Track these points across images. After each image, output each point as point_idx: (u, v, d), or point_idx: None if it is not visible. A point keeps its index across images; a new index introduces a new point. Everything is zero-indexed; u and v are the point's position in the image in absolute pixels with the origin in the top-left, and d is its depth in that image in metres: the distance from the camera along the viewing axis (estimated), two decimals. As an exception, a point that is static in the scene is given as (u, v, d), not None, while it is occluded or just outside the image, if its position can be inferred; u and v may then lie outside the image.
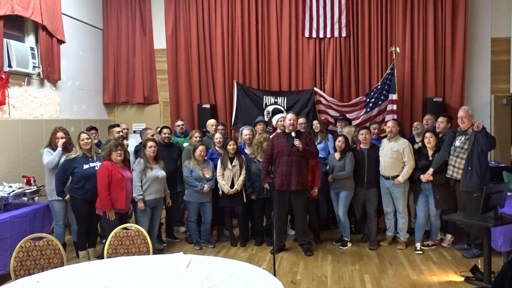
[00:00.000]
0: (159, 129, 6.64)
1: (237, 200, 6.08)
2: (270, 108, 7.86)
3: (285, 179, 5.59)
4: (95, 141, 6.16)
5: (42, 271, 3.34)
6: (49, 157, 5.40)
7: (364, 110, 7.50)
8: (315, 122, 6.73)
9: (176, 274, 3.01)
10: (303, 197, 5.73)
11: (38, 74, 6.81)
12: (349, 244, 6.05)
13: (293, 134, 5.58)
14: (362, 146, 6.04)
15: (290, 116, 5.71)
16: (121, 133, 6.23)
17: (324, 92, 7.92)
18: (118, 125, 6.47)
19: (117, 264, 3.28)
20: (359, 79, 8.08)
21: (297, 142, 5.48)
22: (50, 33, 6.90)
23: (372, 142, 6.14)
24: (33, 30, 6.87)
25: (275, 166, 5.65)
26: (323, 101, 7.73)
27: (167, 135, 6.30)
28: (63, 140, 5.48)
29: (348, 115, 7.28)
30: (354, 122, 7.28)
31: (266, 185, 5.78)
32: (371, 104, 7.45)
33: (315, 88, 7.84)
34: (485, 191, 4.41)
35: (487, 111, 7.79)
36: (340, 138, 5.98)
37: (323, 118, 7.49)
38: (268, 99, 7.90)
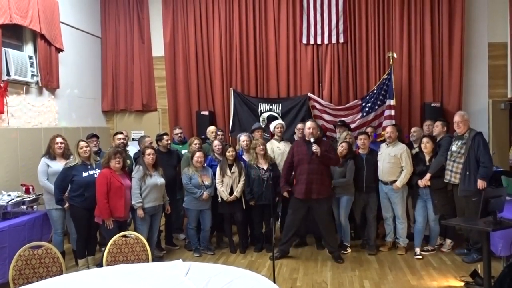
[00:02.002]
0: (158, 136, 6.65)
1: (236, 207, 6.07)
2: (265, 115, 7.88)
3: (306, 188, 5.53)
4: (95, 149, 6.17)
5: (41, 279, 3.34)
6: (44, 175, 5.44)
7: (360, 114, 7.51)
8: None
9: (175, 282, 3.01)
10: (326, 206, 5.66)
11: (37, 83, 6.83)
12: (349, 250, 6.04)
13: (312, 140, 5.56)
14: (360, 151, 6.06)
15: (309, 124, 5.70)
16: (121, 140, 6.25)
17: (322, 98, 7.95)
18: (122, 133, 6.48)
19: (116, 272, 3.27)
20: (357, 85, 8.10)
21: (315, 147, 5.44)
22: (49, 41, 6.93)
23: (371, 147, 6.15)
24: (31, 39, 6.89)
25: (296, 173, 5.63)
26: (317, 106, 7.74)
27: (168, 142, 6.33)
28: (61, 150, 5.50)
29: (344, 119, 7.29)
30: (351, 126, 7.28)
31: (285, 193, 5.78)
32: (367, 109, 7.46)
33: (309, 94, 7.86)
34: (484, 196, 4.41)
35: (485, 116, 7.81)
36: (343, 144, 5.97)
37: (321, 124, 7.49)
38: (263, 106, 7.92)
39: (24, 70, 6.38)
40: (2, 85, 5.97)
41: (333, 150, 5.72)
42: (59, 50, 7.25)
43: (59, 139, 5.55)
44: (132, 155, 6.39)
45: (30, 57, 6.61)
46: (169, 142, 6.37)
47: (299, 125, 6.77)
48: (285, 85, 8.27)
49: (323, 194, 5.54)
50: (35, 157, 6.41)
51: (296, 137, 6.76)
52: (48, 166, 5.48)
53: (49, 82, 7.01)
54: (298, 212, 5.68)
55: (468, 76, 7.91)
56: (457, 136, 5.60)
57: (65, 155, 5.55)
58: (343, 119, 7.30)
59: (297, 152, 5.69)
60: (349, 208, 5.97)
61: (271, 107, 7.90)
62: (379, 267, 5.45)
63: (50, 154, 5.53)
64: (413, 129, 6.48)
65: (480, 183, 5.23)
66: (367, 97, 7.55)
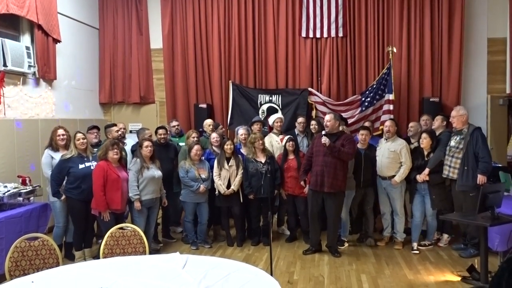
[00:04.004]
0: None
1: (234, 200, 6.07)
2: (265, 107, 7.85)
3: (318, 180, 5.51)
4: (96, 140, 6.13)
5: (37, 271, 3.32)
6: (49, 167, 5.41)
7: (359, 109, 7.49)
8: (313, 122, 6.70)
9: (172, 274, 3.00)
10: (336, 200, 5.58)
11: (34, 74, 6.78)
12: (346, 244, 6.05)
13: (323, 132, 5.54)
14: (359, 146, 6.02)
15: (327, 116, 5.68)
16: (120, 132, 6.21)
17: (320, 92, 7.92)
18: (115, 125, 6.44)
19: (113, 264, 3.27)
20: (355, 79, 8.08)
21: (323, 139, 5.41)
22: (46, 32, 6.87)
23: (370, 143, 6.12)
24: (28, 29, 6.83)
25: (312, 165, 5.63)
26: (317, 100, 7.71)
27: (162, 136, 6.26)
28: (63, 142, 5.47)
29: (343, 114, 7.26)
30: (349, 121, 7.28)
31: (302, 183, 5.79)
32: (366, 103, 7.44)
33: (309, 89, 7.83)
34: (482, 191, 4.42)
35: (483, 111, 7.80)
36: None
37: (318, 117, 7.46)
38: (262, 98, 7.89)
39: (21, 61, 6.33)
40: (-2, 75, 5.93)
41: (349, 144, 5.51)
42: (57, 41, 7.20)
43: (60, 131, 5.52)
44: (129, 148, 6.35)
45: (27, 48, 6.55)
46: (162, 136, 6.25)
47: (300, 119, 6.75)
48: (283, 78, 8.24)
49: (334, 188, 5.48)
50: (31, 148, 6.39)
51: (296, 131, 6.75)
52: (52, 158, 5.45)
53: (46, 73, 6.96)
54: (313, 203, 5.64)
55: (467, 71, 7.89)
56: (455, 131, 5.59)
57: (68, 146, 5.49)
58: (342, 114, 7.26)
59: (316, 144, 5.66)
60: (349, 202, 5.97)
61: (271, 98, 7.87)
62: (376, 261, 5.45)
63: (53, 146, 5.50)
64: (410, 124, 6.45)
65: (481, 178, 5.22)
66: (367, 92, 7.52)
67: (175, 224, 6.90)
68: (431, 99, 7.58)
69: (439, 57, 7.84)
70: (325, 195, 5.54)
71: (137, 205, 5.34)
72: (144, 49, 8.73)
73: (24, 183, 5.54)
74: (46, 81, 7.10)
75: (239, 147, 6.44)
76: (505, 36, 7.73)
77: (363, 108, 7.44)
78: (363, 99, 7.50)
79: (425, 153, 5.78)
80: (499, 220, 4.43)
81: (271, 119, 6.96)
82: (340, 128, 6.07)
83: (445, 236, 6.04)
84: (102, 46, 8.81)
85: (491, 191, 4.51)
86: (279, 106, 7.79)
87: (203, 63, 8.49)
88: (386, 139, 5.94)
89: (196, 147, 5.95)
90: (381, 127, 6.96)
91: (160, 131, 6.31)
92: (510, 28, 7.62)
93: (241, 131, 6.44)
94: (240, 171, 6.04)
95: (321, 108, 7.63)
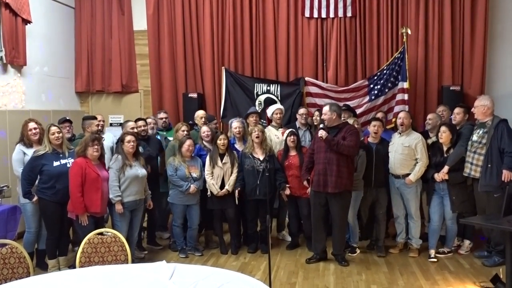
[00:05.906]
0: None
1: (228, 202, 6.08)
2: (262, 98, 7.85)
3: (321, 179, 5.54)
4: (68, 135, 6.14)
5: (6, 282, 3.33)
6: (20, 164, 5.40)
7: (367, 98, 7.50)
8: (316, 113, 6.72)
9: (158, 286, 3.01)
10: (342, 201, 5.61)
11: (1, 59, 6.77)
12: (358, 251, 6.09)
13: (321, 125, 5.56)
14: (370, 140, 6.04)
15: (323, 109, 5.71)
16: (99, 127, 6.22)
17: (326, 80, 7.93)
18: (95, 117, 6.43)
19: (91, 274, 3.28)
20: (366, 65, 8.08)
21: (320, 132, 5.44)
22: (14, 11, 6.85)
23: (382, 137, 6.14)
24: (-6, 9, 6.83)
25: (314, 163, 5.67)
26: (316, 90, 7.71)
27: (142, 128, 6.26)
28: (36, 136, 5.46)
29: (349, 103, 7.28)
30: (357, 111, 7.26)
31: (305, 182, 5.81)
32: (376, 92, 7.45)
33: (306, 78, 7.82)
34: (508, 191, 4.44)
35: (511, 102, 7.80)
36: None
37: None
38: (259, 87, 7.88)
39: (-15, 45, 6.33)
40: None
41: (351, 137, 5.49)
42: (27, 21, 7.18)
43: (32, 125, 5.51)
44: (108, 144, 6.33)
45: (-7, 30, 6.55)
46: (142, 128, 6.25)
47: (302, 110, 6.77)
48: (284, 65, 8.24)
49: (339, 188, 5.50)
50: (-1, 143, 6.39)
51: (298, 124, 6.76)
52: (25, 154, 5.45)
53: (14, 58, 6.95)
54: (316, 205, 5.69)
55: (492, 56, 7.87)
56: (478, 123, 5.61)
57: (42, 141, 5.49)
58: (348, 103, 7.28)
59: (317, 139, 5.68)
60: (358, 204, 5.99)
61: (268, 88, 7.85)
62: (388, 271, 5.48)
63: (25, 141, 5.49)
64: (429, 116, 6.47)
65: (506, 174, 5.23)
66: (375, 78, 7.52)
67: (161, 229, 6.92)
68: (451, 88, 7.58)
69: (461, 40, 7.83)
70: (329, 196, 5.57)
71: (118, 207, 5.34)
72: (126, 31, 8.72)
73: (-11, 182, 5.55)
74: (15, 67, 7.10)
75: (233, 141, 6.45)
76: (536, 17, 7.73)
77: (373, 97, 7.45)
78: (371, 85, 7.50)
79: (444, 148, 5.79)
80: (527, 224, 4.45)
81: (269, 110, 6.97)
82: (350, 121, 6.11)
83: (467, 242, 6.07)
84: (78, 27, 8.79)
85: (518, 191, 4.52)
86: (277, 97, 7.77)
87: (193, 47, 8.48)
88: (400, 133, 5.95)
89: (188, 142, 5.96)
90: (394, 120, 6.97)
91: (140, 122, 6.30)
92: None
93: (235, 124, 6.45)
94: (235, 169, 6.06)
95: (320, 101, 7.54)
